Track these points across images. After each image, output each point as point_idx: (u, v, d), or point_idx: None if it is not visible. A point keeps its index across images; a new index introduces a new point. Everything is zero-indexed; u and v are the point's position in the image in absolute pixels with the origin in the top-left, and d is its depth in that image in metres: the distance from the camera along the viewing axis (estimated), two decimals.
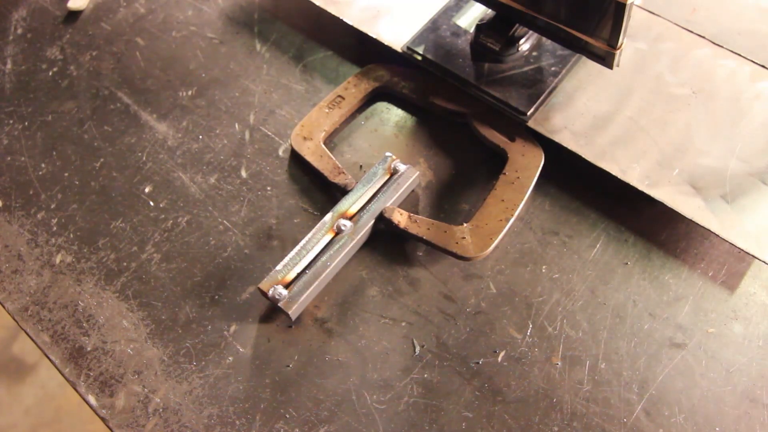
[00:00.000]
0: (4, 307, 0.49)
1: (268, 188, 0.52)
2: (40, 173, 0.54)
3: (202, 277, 0.49)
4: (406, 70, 0.56)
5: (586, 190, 0.50)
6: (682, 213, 0.46)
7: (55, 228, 0.51)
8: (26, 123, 0.58)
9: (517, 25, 0.52)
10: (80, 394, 0.45)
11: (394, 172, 0.50)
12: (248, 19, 0.62)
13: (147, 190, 0.53)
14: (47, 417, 1.19)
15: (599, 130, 0.50)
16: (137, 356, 0.46)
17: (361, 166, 0.53)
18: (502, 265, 0.48)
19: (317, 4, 0.58)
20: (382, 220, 0.48)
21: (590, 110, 0.51)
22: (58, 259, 0.50)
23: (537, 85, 0.52)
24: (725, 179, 0.47)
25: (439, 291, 0.47)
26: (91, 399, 0.45)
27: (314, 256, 0.47)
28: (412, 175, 0.50)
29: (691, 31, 0.54)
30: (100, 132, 0.57)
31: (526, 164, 0.49)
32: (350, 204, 0.49)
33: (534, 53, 0.53)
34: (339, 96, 0.55)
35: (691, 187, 0.47)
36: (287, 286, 0.45)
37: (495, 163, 0.51)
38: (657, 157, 0.48)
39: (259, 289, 0.45)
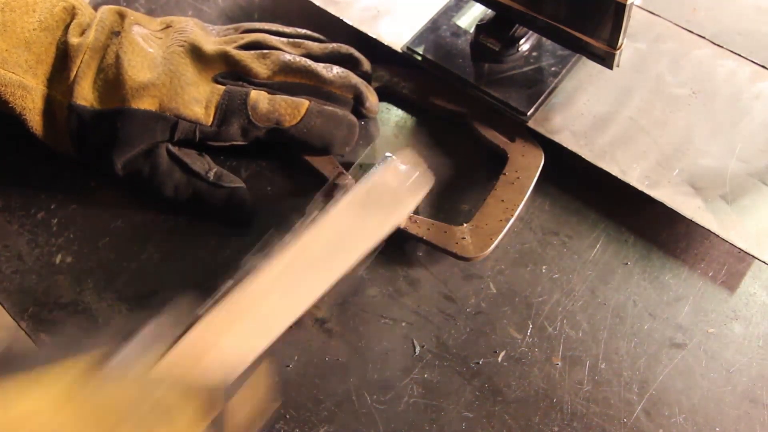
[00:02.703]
0: (3, 307, 0.49)
1: (268, 188, 0.52)
2: (41, 173, 0.54)
3: (202, 278, 0.49)
4: (406, 70, 0.56)
5: (586, 190, 0.50)
6: (682, 213, 0.46)
7: (55, 228, 0.51)
8: None
9: (517, 25, 0.52)
10: None
11: None
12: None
13: None
14: None
15: (599, 130, 0.50)
16: None
17: (361, 166, 0.53)
18: (502, 265, 0.48)
19: (317, 4, 0.58)
20: None
21: (590, 110, 0.51)
22: (58, 259, 0.50)
23: (537, 85, 0.52)
24: (725, 179, 0.47)
25: (439, 291, 0.47)
26: None
27: None
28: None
29: (691, 31, 0.54)
30: None
31: (526, 164, 0.49)
32: None
33: (534, 53, 0.53)
34: None
35: (691, 187, 0.47)
36: None
37: (495, 163, 0.51)
38: (657, 157, 0.48)
39: None
